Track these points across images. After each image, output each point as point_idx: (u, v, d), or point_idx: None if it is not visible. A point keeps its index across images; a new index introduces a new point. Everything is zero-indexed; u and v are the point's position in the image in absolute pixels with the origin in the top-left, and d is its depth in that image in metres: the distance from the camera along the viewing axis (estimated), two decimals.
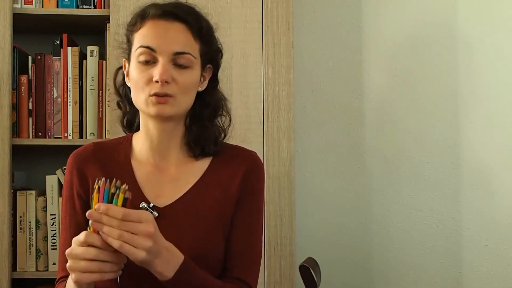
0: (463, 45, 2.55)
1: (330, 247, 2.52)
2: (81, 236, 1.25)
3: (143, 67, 1.43)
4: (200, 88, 1.50)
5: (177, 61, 1.43)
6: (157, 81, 1.40)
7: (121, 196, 1.23)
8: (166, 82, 1.41)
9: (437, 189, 2.53)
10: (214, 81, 1.55)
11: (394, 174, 2.54)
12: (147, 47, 1.42)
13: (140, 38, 1.45)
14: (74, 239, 1.26)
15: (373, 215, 2.54)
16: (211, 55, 1.52)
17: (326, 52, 2.57)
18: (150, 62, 1.43)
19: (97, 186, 1.25)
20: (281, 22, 2.21)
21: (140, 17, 1.47)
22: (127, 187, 1.24)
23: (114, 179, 1.26)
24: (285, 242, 2.18)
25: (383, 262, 2.53)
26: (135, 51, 1.45)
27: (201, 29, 1.48)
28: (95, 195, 1.24)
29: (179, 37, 1.44)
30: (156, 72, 1.41)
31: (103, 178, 1.25)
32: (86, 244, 1.24)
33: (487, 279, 2.51)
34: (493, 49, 2.54)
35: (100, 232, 1.23)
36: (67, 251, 1.26)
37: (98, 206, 1.22)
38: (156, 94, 1.41)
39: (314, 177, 2.55)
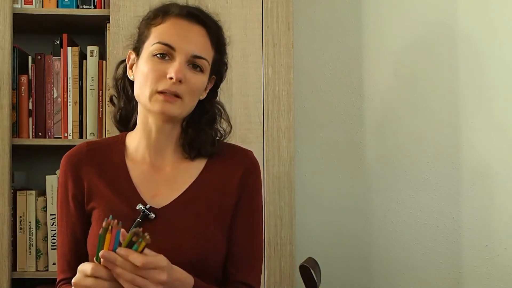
0: (463, 45, 2.55)
1: (330, 247, 2.52)
2: (88, 268, 1.24)
3: (157, 62, 1.41)
4: (201, 97, 1.49)
5: (192, 63, 1.43)
6: (171, 78, 1.39)
7: (143, 244, 1.23)
8: (179, 81, 1.40)
9: (437, 189, 2.53)
10: (214, 92, 1.55)
11: (394, 174, 2.54)
12: (166, 44, 1.41)
13: (159, 33, 1.43)
14: (80, 270, 1.26)
15: (373, 215, 2.54)
16: (219, 66, 1.52)
17: (326, 52, 2.57)
18: (165, 57, 1.41)
19: (110, 227, 1.23)
20: (281, 22, 2.21)
21: (162, 13, 1.45)
22: (148, 236, 1.23)
23: (136, 230, 1.24)
24: (285, 242, 2.18)
25: (383, 262, 2.53)
26: (152, 45, 1.43)
27: (219, 38, 1.49)
28: (107, 235, 1.23)
29: (199, 41, 1.44)
30: (172, 69, 1.40)
31: (116, 220, 1.24)
32: (93, 276, 1.24)
33: (487, 279, 2.51)
34: (493, 50, 2.54)
35: None
36: (73, 281, 1.26)
37: (119, 250, 1.22)
38: (165, 91, 1.40)
39: (314, 177, 2.55)
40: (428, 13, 2.57)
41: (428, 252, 2.53)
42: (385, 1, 2.57)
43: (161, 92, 1.41)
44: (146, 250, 1.25)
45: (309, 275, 1.55)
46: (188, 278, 1.33)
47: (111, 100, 1.58)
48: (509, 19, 2.55)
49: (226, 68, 1.56)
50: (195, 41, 1.43)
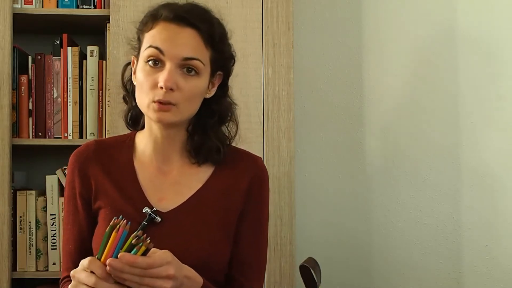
0: (463, 45, 2.55)
1: (330, 247, 2.52)
2: (86, 261, 1.25)
3: (150, 70, 1.40)
4: (207, 95, 1.47)
5: (185, 66, 1.40)
6: (161, 87, 1.37)
7: (142, 248, 1.23)
8: (170, 89, 1.37)
9: (437, 189, 2.53)
10: (223, 88, 1.52)
11: (394, 174, 2.54)
12: (156, 48, 1.39)
13: (150, 38, 1.42)
14: (80, 262, 1.26)
15: (373, 215, 2.54)
16: (223, 62, 1.49)
17: (326, 52, 2.57)
18: (158, 65, 1.40)
19: (118, 226, 1.23)
20: (281, 22, 2.21)
21: (152, 18, 1.44)
22: (149, 241, 1.24)
23: (138, 232, 1.24)
24: (285, 242, 2.18)
25: (383, 262, 2.53)
26: (144, 51, 1.42)
27: (213, 36, 1.44)
28: (113, 234, 1.23)
29: (189, 43, 1.40)
30: (162, 78, 1.37)
31: (125, 220, 1.24)
32: (89, 270, 1.24)
33: (487, 279, 2.51)
34: (493, 49, 2.54)
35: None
36: (71, 272, 1.27)
37: (122, 256, 1.21)
38: (159, 101, 1.38)
39: (314, 177, 2.55)
40: (428, 13, 2.56)
41: (428, 252, 2.53)
42: (385, 1, 2.57)
43: (156, 101, 1.39)
44: (152, 249, 1.25)
45: (309, 275, 1.55)
46: (197, 277, 1.34)
47: (124, 99, 1.57)
48: (510, 18, 2.55)
49: (234, 61, 1.52)
50: (184, 43, 1.40)
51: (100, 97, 2.25)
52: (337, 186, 2.55)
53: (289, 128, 2.19)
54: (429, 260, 2.52)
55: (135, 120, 1.55)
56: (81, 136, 2.23)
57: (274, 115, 2.19)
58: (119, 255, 1.22)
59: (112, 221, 1.24)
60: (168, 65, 1.39)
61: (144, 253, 1.24)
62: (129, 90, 1.53)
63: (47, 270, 2.21)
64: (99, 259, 1.24)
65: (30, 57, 2.26)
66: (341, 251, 2.53)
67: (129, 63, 1.54)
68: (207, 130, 1.49)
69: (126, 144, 1.52)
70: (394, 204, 2.54)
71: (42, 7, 2.23)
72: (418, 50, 2.56)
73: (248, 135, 2.16)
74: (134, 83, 1.48)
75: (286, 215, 2.18)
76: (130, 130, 1.58)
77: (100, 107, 2.25)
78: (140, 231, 1.25)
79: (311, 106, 2.56)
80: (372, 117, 2.56)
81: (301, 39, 2.53)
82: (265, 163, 2.16)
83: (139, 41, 1.47)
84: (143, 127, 1.53)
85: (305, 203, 2.52)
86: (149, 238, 1.24)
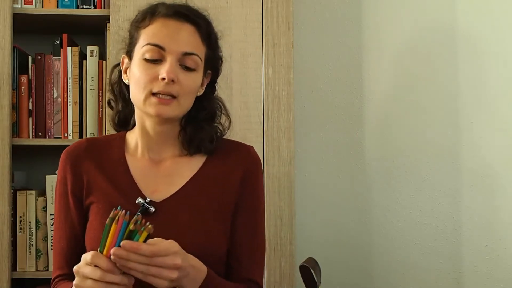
0: (463, 45, 2.55)
1: (330, 247, 2.52)
2: (88, 256, 1.24)
3: (148, 65, 1.41)
4: (198, 93, 1.49)
5: (185, 62, 1.42)
6: (163, 79, 1.39)
7: (144, 234, 1.23)
8: (172, 81, 1.39)
9: (437, 189, 2.53)
10: (211, 87, 1.55)
11: (394, 174, 2.54)
12: (156, 45, 1.41)
13: (148, 35, 1.43)
14: (82, 257, 1.26)
15: (373, 215, 2.54)
16: (214, 61, 1.52)
17: (326, 52, 2.57)
18: (157, 60, 1.41)
19: (116, 217, 1.23)
20: (281, 22, 2.21)
21: (150, 14, 1.45)
22: (150, 225, 1.23)
23: (137, 217, 1.24)
24: (285, 242, 2.18)
25: (383, 262, 2.53)
26: (141, 47, 1.43)
27: (210, 34, 1.48)
28: (113, 226, 1.23)
29: (189, 38, 1.44)
30: (164, 70, 1.39)
31: (123, 211, 1.24)
32: (93, 264, 1.23)
33: (487, 279, 2.51)
34: (494, 49, 2.54)
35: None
36: (75, 268, 1.26)
37: (124, 244, 1.21)
38: (159, 93, 1.40)
39: (314, 177, 2.55)
40: (428, 13, 2.56)
41: (428, 252, 2.53)
42: (385, 1, 2.57)
43: (155, 94, 1.41)
44: (156, 239, 1.25)
45: (309, 275, 1.55)
46: (202, 266, 1.34)
47: (109, 103, 1.59)
48: (510, 18, 2.55)
49: (222, 62, 1.56)
50: (184, 39, 1.43)
51: (100, 97, 2.25)
52: (337, 186, 2.55)
53: (289, 128, 2.19)
54: (429, 260, 2.53)
55: (124, 122, 1.56)
56: (81, 136, 2.23)
57: (274, 115, 2.19)
58: (121, 243, 1.21)
59: (112, 213, 1.24)
60: (169, 59, 1.41)
61: (146, 239, 1.23)
62: (116, 92, 1.54)
63: (47, 270, 2.21)
64: (102, 253, 1.24)
65: (30, 57, 2.26)
66: (341, 251, 2.53)
67: (117, 64, 1.54)
68: (199, 123, 1.51)
69: (117, 142, 1.54)
70: (394, 204, 2.54)
71: (42, 7, 2.23)
72: (418, 49, 2.56)
73: (248, 135, 2.16)
74: (126, 82, 1.49)
75: (286, 215, 2.18)
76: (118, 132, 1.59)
77: (100, 107, 2.25)
78: (139, 216, 1.24)
79: (311, 106, 2.56)
80: (372, 117, 2.56)
81: (301, 39, 2.53)
82: (265, 163, 2.18)
83: (133, 38, 1.47)
84: (132, 127, 1.54)
85: (305, 203, 2.52)
86: (148, 222, 1.24)
